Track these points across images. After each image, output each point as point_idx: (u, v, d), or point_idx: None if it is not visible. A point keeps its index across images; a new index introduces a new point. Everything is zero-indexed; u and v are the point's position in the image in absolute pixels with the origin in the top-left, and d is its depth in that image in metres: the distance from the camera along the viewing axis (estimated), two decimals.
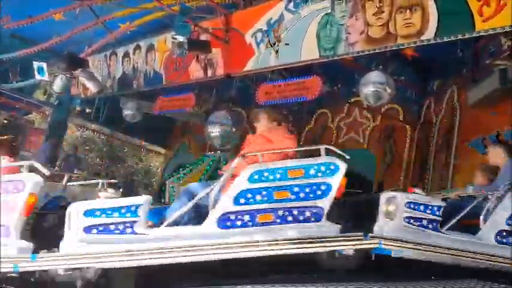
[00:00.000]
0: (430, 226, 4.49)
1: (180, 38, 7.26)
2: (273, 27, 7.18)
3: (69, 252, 4.28)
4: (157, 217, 4.78)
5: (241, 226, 4.25)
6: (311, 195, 4.30)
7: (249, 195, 4.26)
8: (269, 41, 7.14)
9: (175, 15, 7.55)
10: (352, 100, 8.77)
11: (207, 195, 4.40)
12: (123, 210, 4.30)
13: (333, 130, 9.59)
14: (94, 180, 6.41)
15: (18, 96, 12.27)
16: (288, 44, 6.96)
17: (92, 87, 8.22)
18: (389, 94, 6.51)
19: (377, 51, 6.18)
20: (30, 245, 4.29)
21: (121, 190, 6.47)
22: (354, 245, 4.22)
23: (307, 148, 4.90)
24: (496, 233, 4.66)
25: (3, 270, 4.18)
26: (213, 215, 4.26)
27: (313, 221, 4.30)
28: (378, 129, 8.97)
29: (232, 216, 4.24)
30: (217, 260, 4.24)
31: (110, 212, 4.31)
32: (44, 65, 8.10)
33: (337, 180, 4.29)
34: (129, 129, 11.87)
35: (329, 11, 6.52)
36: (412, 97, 8.67)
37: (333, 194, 4.30)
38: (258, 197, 4.26)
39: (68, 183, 5.68)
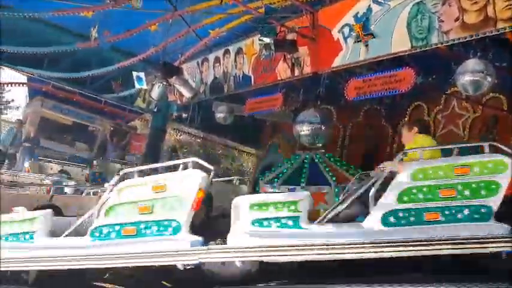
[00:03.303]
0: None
1: (267, 40, 7.36)
2: (360, 21, 7.01)
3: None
4: None
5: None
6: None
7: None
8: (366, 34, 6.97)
9: (261, 18, 7.66)
10: (449, 91, 8.30)
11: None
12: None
13: (430, 123, 9.15)
14: (229, 178, 6.99)
15: (122, 105, 13.26)
16: (375, 37, 6.75)
17: (186, 93, 8.59)
18: (489, 82, 6.05)
19: (474, 37, 5.78)
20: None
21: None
22: None
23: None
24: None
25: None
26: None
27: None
28: (479, 121, 8.41)
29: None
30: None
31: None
32: (142, 74, 8.62)
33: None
34: (222, 132, 12.27)
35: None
36: None
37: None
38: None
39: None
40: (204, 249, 4.38)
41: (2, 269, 5.06)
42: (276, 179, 7.67)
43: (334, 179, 7.10)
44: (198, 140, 15.59)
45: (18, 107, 26.73)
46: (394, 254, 4.07)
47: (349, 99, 7.51)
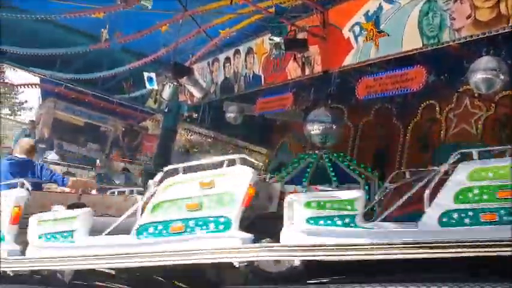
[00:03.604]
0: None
1: (277, 39, 7.36)
2: (371, 19, 6.98)
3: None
4: None
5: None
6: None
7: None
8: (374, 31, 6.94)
9: (271, 17, 7.66)
10: (462, 89, 8.21)
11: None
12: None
13: (442, 122, 9.07)
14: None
15: (133, 106, 13.35)
16: (388, 35, 6.72)
17: (197, 94, 8.61)
18: (502, 80, 5.99)
19: (487, 35, 5.73)
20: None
21: None
22: None
23: None
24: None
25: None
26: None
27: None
28: (492, 119, 8.30)
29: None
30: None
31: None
32: (153, 75, 8.66)
33: None
34: (232, 131, 12.29)
35: None
36: None
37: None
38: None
39: None
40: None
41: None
42: (281, 179, 7.66)
43: (335, 178, 7.09)
44: (209, 140, 15.65)
45: (31, 108, 27.05)
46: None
47: (360, 98, 7.48)
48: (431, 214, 4.13)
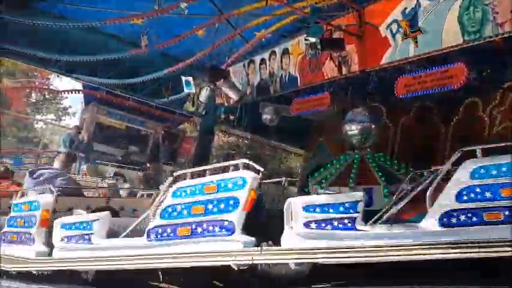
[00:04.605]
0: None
1: (313, 39, 7.32)
2: (408, 16, 6.85)
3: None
4: None
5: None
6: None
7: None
8: (412, 31, 6.81)
9: (306, 18, 7.63)
10: (506, 85, 7.92)
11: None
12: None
13: (485, 120, 8.76)
14: (278, 179, 7.03)
15: (172, 109, 13.60)
16: (423, 33, 6.57)
17: (233, 96, 8.69)
18: None
19: None
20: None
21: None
22: None
23: None
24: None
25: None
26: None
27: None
28: None
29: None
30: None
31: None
32: (190, 79, 8.80)
33: None
34: (269, 133, 12.30)
35: None
36: None
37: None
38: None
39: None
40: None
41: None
42: (323, 180, 7.59)
43: (383, 179, 6.93)
44: (246, 142, 15.73)
45: (74, 113, 28.01)
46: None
47: (399, 97, 7.34)
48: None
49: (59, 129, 26.88)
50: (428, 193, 4.14)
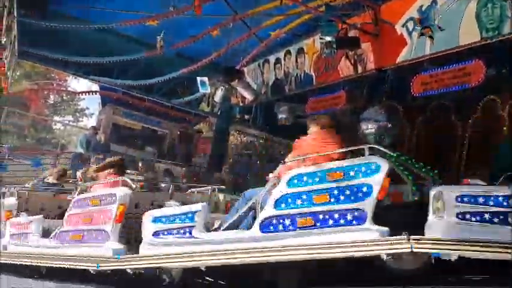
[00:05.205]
0: (496, 220, 3.80)
1: (328, 38, 7.29)
2: (425, 14, 6.78)
3: (142, 253, 4.97)
4: None
5: (281, 230, 4.26)
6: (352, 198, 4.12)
7: (289, 200, 4.27)
8: (422, 28, 6.74)
9: (321, 17, 7.60)
10: None
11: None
12: (182, 217, 4.80)
13: (505, 118, 8.61)
14: (206, 187, 6.48)
15: (187, 110, 13.66)
16: (442, 30, 6.49)
17: (247, 96, 8.70)
18: None
19: None
20: (387, 229, 3.98)
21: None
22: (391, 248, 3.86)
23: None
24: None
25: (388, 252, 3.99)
26: (258, 219, 4.37)
27: (355, 225, 4.03)
28: None
29: (274, 221, 4.28)
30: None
31: (172, 218, 4.87)
32: (206, 79, 8.83)
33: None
34: (285, 132, 12.26)
35: None
36: None
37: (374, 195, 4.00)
38: (298, 201, 4.24)
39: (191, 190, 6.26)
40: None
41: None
42: None
43: (410, 178, 6.87)
44: (261, 141, 15.68)
45: (92, 115, 28.34)
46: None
47: (415, 96, 7.27)
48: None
49: (77, 130, 27.24)
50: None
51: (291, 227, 4.25)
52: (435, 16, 6.61)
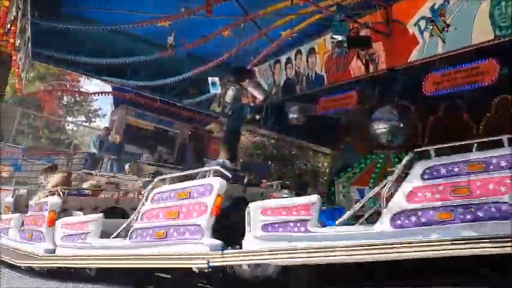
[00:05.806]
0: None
1: (339, 37, 7.25)
2: (437, 12, 6.72)
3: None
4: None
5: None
6: None
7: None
8: (436, 27, 6.69)
9: (332, 16, 7.58)
10: None
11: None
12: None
13: None
14: (270, 182, 6.87)
15: (198, 110, 13.71)
16: (455, 28, 6.44)
17: (258, 96, 8.70)
18: None
19: None
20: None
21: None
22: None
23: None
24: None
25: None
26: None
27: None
28: None
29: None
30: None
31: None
32: (217, 79, 8.85)
33: None
34: (296, 132, 12.26)
35: None
36: None
37: None
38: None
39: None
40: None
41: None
42: (346, 180, 7.56)
43: None
44: (272, 141, 15.70)
45: (104, 115, 28.56)
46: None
47: (427, 95, 7.22)
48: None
49: (90, 130, 27.46)
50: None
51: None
52: (448, 15, 6.55)
